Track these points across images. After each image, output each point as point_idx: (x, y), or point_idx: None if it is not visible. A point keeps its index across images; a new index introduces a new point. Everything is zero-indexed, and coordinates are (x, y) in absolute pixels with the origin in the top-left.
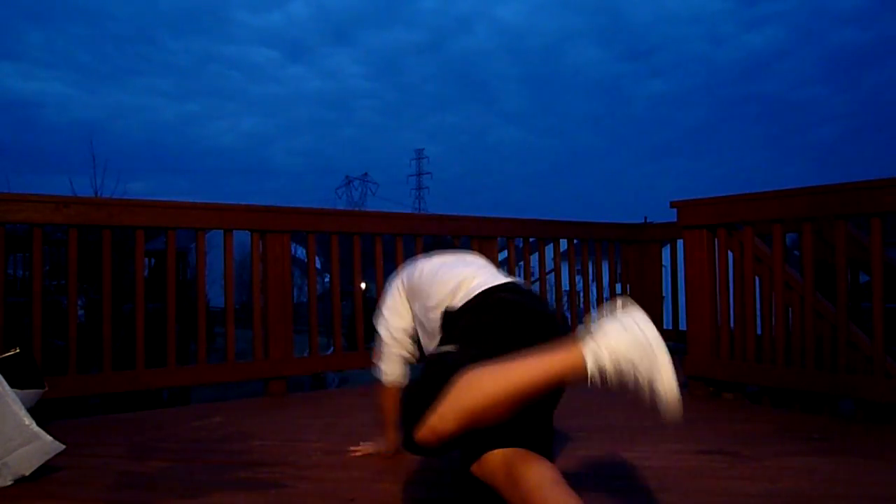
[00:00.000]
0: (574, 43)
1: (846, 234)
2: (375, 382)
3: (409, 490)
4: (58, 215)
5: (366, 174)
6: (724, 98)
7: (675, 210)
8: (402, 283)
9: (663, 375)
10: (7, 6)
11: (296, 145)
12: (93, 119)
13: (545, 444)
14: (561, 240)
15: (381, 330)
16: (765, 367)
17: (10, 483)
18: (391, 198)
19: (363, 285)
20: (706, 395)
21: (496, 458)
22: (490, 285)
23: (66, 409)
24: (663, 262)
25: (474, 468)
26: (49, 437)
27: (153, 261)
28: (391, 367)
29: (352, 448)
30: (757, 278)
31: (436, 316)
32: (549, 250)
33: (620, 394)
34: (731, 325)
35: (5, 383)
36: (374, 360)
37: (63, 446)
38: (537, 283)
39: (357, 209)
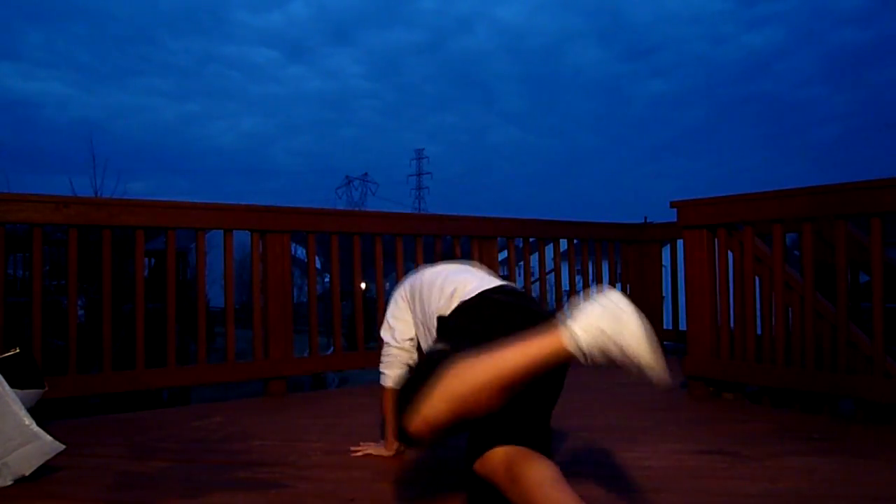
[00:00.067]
0: (574, 43)
1: (846, 234)
2: (379, 387)
3: (409, 490)
4: (58, 215)
5: (366, 174)
6: (724, 98)
7: (675, 210)
8: (406, 291)
9: (636, 341)
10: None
11: (296, 145)
12: (93, 119)
13: (545, 442)
14: (561, 240)
15: (387, 337)
16: (765, 367)
17: (10, 483)
18: (391, 198)
19: (363, 285)
20: (706, 395)
21: (497, 456)
22: (484, 289)
23: (66, 409)
24: (663, 262)
25: (477, 466)
26: (49, 437)
27: (153, 261)
28: (395, 372)
29: (352, 448)
30: (757, 278)
31: (435, 322)
32: (549, 250)
33: (620, 394)
34: (731, 325)
35: (5, 383)
36: (380, 367)
37: (63, 446)
38: (537, 283)
39: (357, 209)
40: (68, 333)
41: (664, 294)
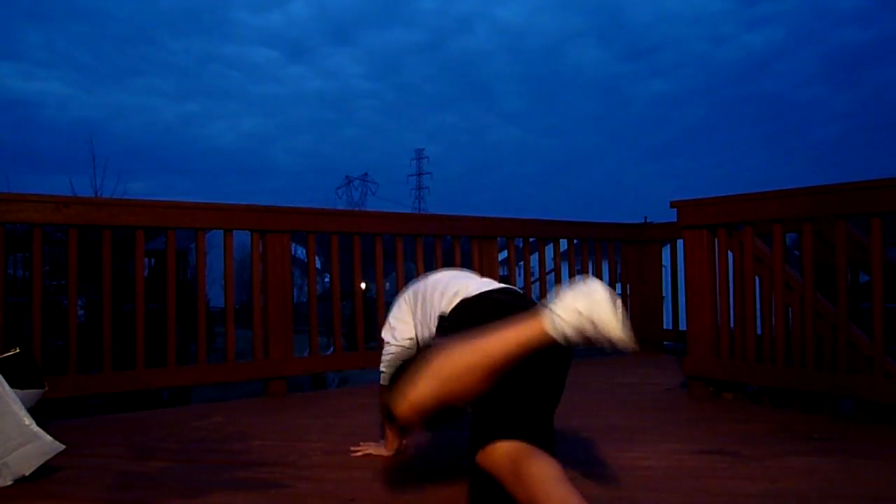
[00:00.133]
0: (574, 43)
1: (846, 234)
2: (379, 386)
3: (409, 490)
4: (58, 215)
5: (366, 174)
6: (725, 98)
7: (675, 210)
8: (409, 296)
9: (608, 318)
10: (7, 6)
11: (296, 145)
12: (93, 119)
13: (549, 441)
14: (561, 240)
15: (387, 336)
16: (765, 367)
17: (10, 483)
18: (391, 198)
19: (363, 285)
20: (706, 395)
21: (503, 450)
22: (485, 290)
23: (66, 409)
24: (663, 262)
25: (479, 458)
26: (49, 437)
27: (153, 261)
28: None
29: (352, 448)
30: (757, 278)
31: (436, 321)
32: (549, 250)
33: (620, 394)
34: (731, 325)
35: (5, 383)
36: (381, 366)
37: (63, 446)
38: (537, 283)
39: (357, 209)
40: (68, 333)
41: (664, 294)
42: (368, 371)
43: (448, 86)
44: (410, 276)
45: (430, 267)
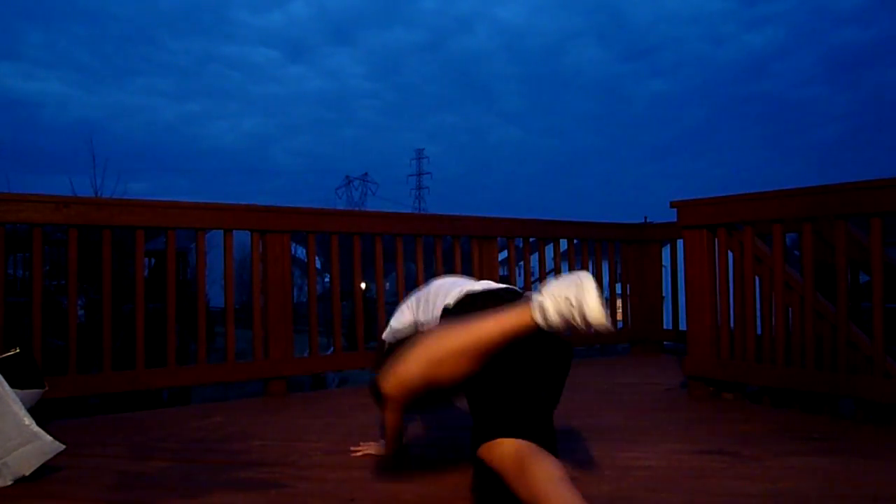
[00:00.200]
0: (574, 43)
1: (846, 234)
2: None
3: (408, 490)
4: (58, 215)
5: (366, 174)
6: (725, 98)
7: (675, 210)
8: (412, 301)
9: (592, 305)
10: (7, 6)
11: (296, 145)
12: (93, 119)
13: (550, 439)
14: (561, 240)
15: (388, 337)
16: (765, 367)
17: (10, 483)
18: (391, 198)
19: (363, 285)
20: (706, 395)
21: (507, 448)
22: (491, 288)
23: (66, 409)
24: (663, 262)
25: (483, 453)
26: (49, 437)
27: (153, 261)
28: None
29: (352, 448)
30: (757, 278)
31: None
32: (549, 250)
33: (620, 394)
34: (731, 325)
35: (5, 383)
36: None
37: (63, 446)
38: (537, 283)
39: (357, 209)
40: (68, 333)
41: (664, 294)
42: (368, 371)
43: (448, 86)
44: (410, 276)
45: (430, 267)
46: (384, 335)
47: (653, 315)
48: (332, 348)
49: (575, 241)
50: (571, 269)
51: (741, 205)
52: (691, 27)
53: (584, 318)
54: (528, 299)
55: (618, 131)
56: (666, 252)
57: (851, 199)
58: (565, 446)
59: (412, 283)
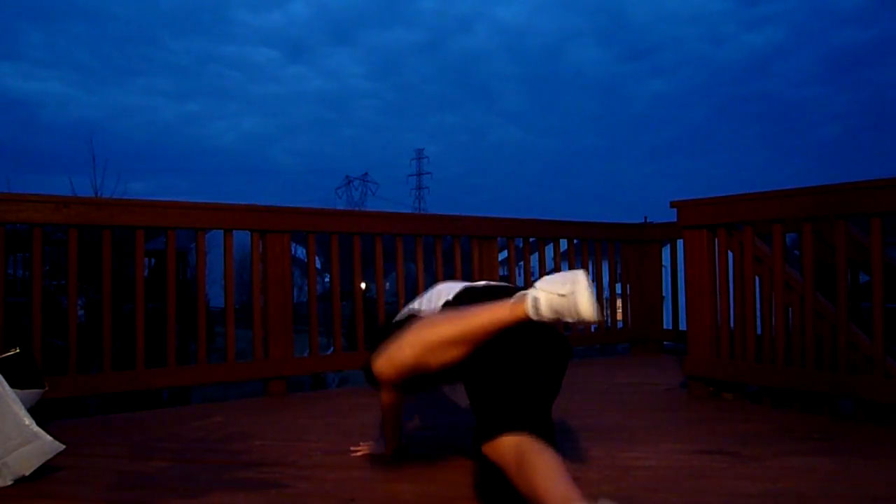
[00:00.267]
0: (574, 43)
1: (846, 234)
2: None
3: (408, 490)
4: (58, 215)
5: (366, 174)
6: (725, 98)
7: (675, 210)
8: (416, 305)
9: (584, 300)
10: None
11: (296, 145)
12: (93, 119)
13: (550, 434)
14: (561, 240)
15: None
16: (765, 367)
17: (10, 483)
18: (391, 198)
19: (363, 285)
20: (706, 395)
21: (508, 442)
22: (488, 285)
23: (66, 409)
24: (663, 262)
25: (486, 448)
26: (49, 437)
27: (153, 261)
28: None
29: (352, 448)
30: (757, 278)
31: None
32: (549, 250)
33: (620, 394)
34: (731, 325)
35: (5, 383)
36: None
37: (63, 446)
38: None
39: (357, 209)
40: (68, 333)
41: (664, 294)
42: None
43: (448, 86)
44: (410, 276)
45: (430, 267)
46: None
47: (653, 315)
48: (332, 348)
49: (575, 241)
50: (571, 268)
51: (741, 205)
52: (691, 27)
53: (575, 313)
54: (524, 293)
55: (618, 131)
56: (666, 252)
57: (851, 199)
58: (565, 446)
59: (412, 283)
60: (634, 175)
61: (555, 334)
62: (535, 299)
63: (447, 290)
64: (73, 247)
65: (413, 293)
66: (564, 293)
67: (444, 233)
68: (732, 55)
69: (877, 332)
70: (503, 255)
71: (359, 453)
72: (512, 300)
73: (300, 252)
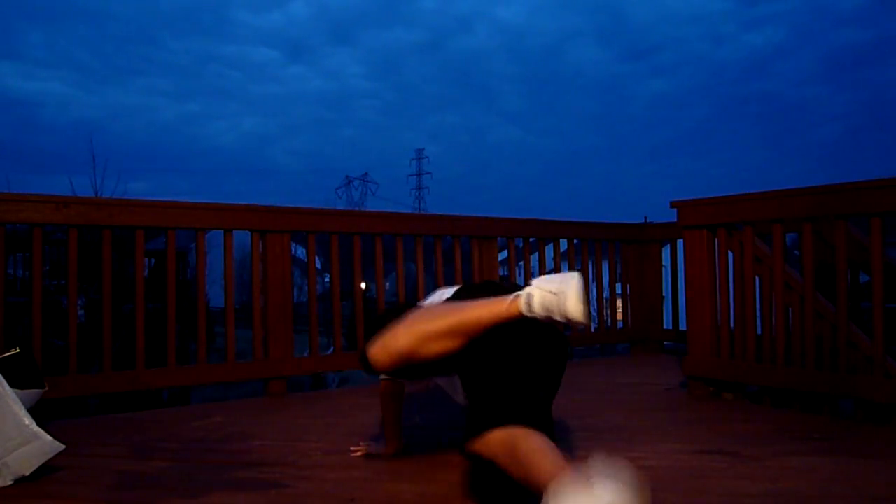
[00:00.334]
0: (574, 43)
1: (846, 234)
2: (378, 382)
3: (408, 490)
4: (58, 215)
5: (366, 174)
6: (725, 98)
7: (675, 210)
8: (422, 303)
9: (574, 301)
10: (7, 6)
11: (296, 145)
12: (93, 119)
13: (548, 428)
14: (561, 240)
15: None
16: (765, 367)
17: (10, 483)
18: (391, 198)
19: (363, 285)
20: (706, 395)
21: (498, 433)
22: (490, 283)
23: (66, 409)
24: (663, 262)
25: (478, 444)
26: (49, 437)
27: (153, 261)
28: None
29: (352, 448)
30: (757, 278)
31: None
32: (549, 250)
33: (620, 394)
34: (731, 325)
35: (5, 383)
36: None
37: (63, 446)
38: None
39: (357, 209)
40: (68, 333)
41: (664, 294)
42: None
43: (448, 86)
44: (410, 276)
45: (431, 267)
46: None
47: (653, 315)
48: (332, 348)
49: (575, 241)
50: (571, 269)
51: (741, 205)
52: (691, 27)
53: (563, 310)
54: (520, 290)
55: (618, 131)
56: (666, 252)
57: (851, 199)
58: (566, 446)
59: (412, 283)
60: (634, 175)
61: (553, 333)
62: (529, 296)
63: (449, 291)
64: (73, 247)
65: (413, 293)
66: (555, 291)
67: (444, 233)
68: (732, 55)
69: (877, 332)
70: (503, 255)
71: (359, 453)
72: (510, 297)
73: (300, 252)
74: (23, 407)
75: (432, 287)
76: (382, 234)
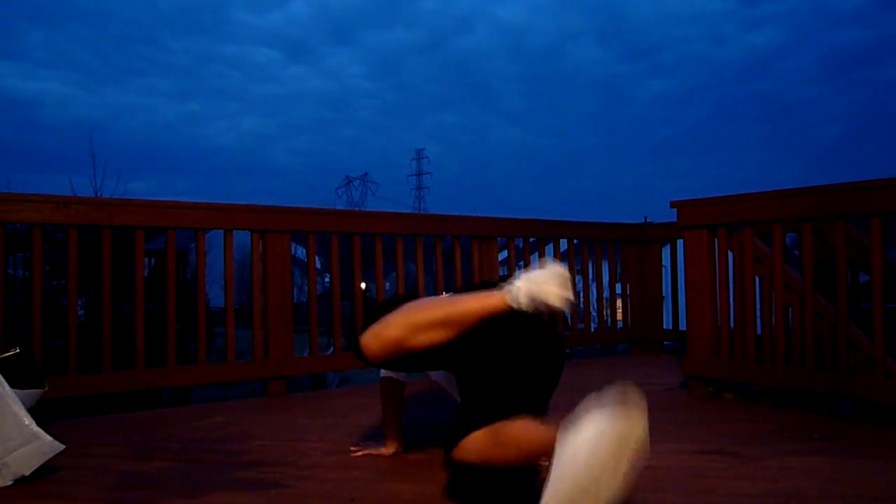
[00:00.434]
0: (574, 43)
1: (846, 234)
2: (378, 381)
3: (408, 490)
4: (58, 215)
5: (366, 174)
6: (725, 98)
7: (675, 210)
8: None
9: (556, 291)
10: (7, 6)
11: (296, 145)
12: (93, 119)
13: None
14: (561, 240)
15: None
16: (765, 367)
17: (10, 483)
18: (391, 198)
19: (363, 285)
20: (706, 395)
21: (479, 431)
22: (488, 281)
23: (66, 409)
24: (663, 262)
25: (455, 454)
26: (49, 437)
27: (153, 261)
28: None
29: (352, 448)
30: (757, 278)
31: None
32: (549, 250)
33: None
34: (731, 325)
35: (5, 383)
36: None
37: (63, 446)
38: None
39: (357, 209)
40: (68, 333)
41: (664, 294)
42: (368, 371)
43: (448, 86)
44: (410, 276)
45: (431, 267)
46: None
47: (653, 315)
48: (332, 348)
49: (575, 241)
50: (571, 269)
51: (741, 205)
52: (692, 27)
53: (544, 298)
54: (510, 284)
55: (618, 131)
56: (666, 252)
57: (851, 199)
58: None
59: (412, 283)
60: (634, 175)
61: (550, 333)
62: (517, 288)
63: (451, 291)
64: (73, 247)
65: (413, 293)
66: (537, 280)
67: (444, 233)
68: (733, 55)
69: (877, 332)
70: (503, 255)
71: (359, 453)
72: (498, 291)
73: (300, 252)
74: (23, 407)
75: (432, 287)
76: (382, 234)
